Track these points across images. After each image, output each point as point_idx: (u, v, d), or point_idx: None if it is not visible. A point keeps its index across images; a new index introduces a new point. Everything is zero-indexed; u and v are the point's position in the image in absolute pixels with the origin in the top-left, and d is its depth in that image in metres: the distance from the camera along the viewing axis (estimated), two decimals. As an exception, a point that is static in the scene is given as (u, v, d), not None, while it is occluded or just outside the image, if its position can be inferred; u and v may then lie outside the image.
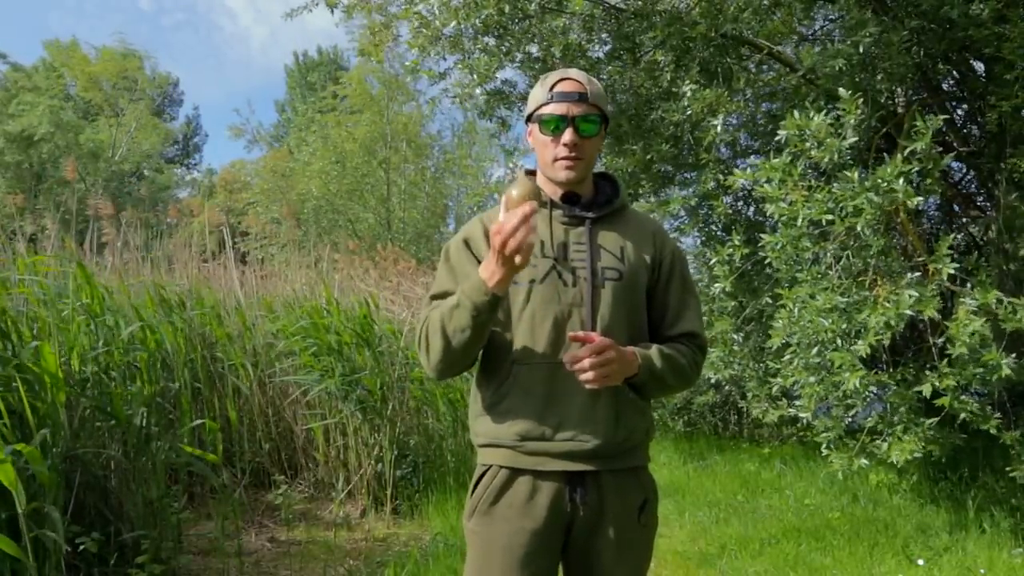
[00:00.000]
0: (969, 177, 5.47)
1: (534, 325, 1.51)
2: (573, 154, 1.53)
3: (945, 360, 3.12)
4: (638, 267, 1.58)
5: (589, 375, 1.40)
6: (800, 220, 3.04)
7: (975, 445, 4.28)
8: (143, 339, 3.64)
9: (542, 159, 1.60)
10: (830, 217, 3.00)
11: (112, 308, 3.66)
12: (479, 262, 1.54)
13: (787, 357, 3.35)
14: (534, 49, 4.41)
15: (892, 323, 2.91)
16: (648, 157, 4.51)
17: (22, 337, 2.89)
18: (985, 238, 4.84)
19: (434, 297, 1.60)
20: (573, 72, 1.60)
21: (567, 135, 1.53)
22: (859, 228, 2.96)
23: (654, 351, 1.53)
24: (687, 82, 3.83)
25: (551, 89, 1.56)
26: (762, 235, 3.31)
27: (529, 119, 1.62)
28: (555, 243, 1.55)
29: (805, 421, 3.43)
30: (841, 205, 2.98)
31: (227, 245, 5.72)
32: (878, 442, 3.32)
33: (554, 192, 1.60)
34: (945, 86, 4.95)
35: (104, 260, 5.02)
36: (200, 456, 3.43)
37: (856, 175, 2.97)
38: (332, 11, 4.61)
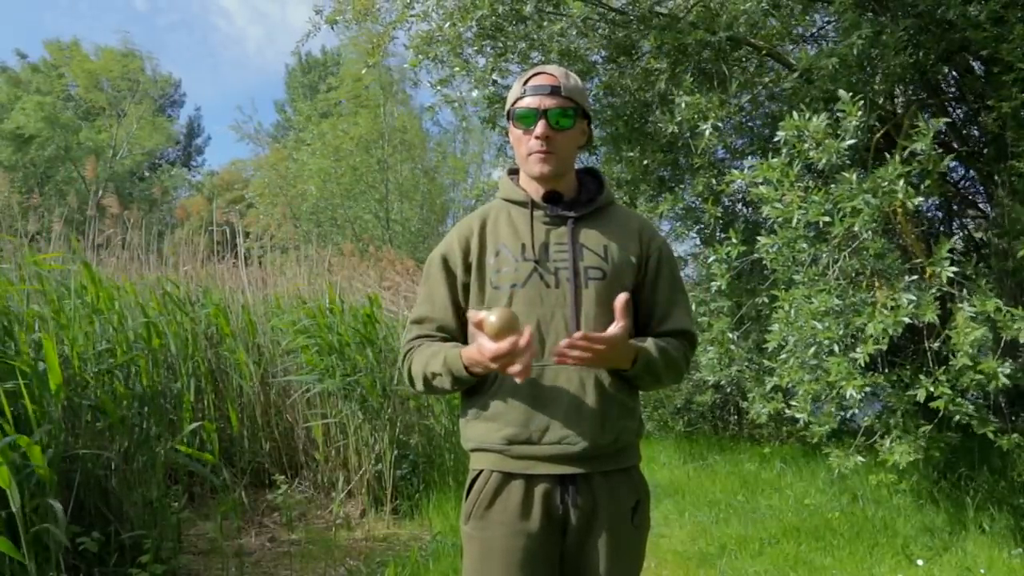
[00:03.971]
0: (969, 177, 5.46)
1: None
2: (545, 147, 1.53)
3: (943, 368, 3.12)
4: (623, 266, 1.57)
5: (572, 354, 1.38)
6: (795, 221, 3.03)
7: (972, 445, 4.28)
8: (147, 337, 3.65)
9: (518, 154, 1.60)
10: (827, 219, 2.99)
11: (116, 308, 3.67)
12: (455, 277, 1.59)
13: (783, 356, 3.35)
14: (534, 55, 4.42)
15: (890, 331, 2.91)
16: (645, 163, 4.53)
17: (14, 335, 2.89)
18: (985, 239, 4.84)
19: (415, 322, 1.64)
20: (549, 67, 1.60)
21: (539, 127, 1.52)
22: (856, 228, 2.96)
23: (651, 344, 1.53)
24: (680, 94, 3.83)
25: (525, 84, 1.57)
26: (759, 237, 3.30)
27: (508, 117, 1.62)
28: (536, 244, 1.55)
29: (803, 421, 3.43)
30: (839, 207, 2.97)
31: (239, 243, 5.73)
32: (881, 442, 3.32)
33: (536, 192, 1.60)
34: (944, 87, 4.95)
35: (105, 259, 5.04)
36: (197, 457, 3.44)
37: (854, 176, 2.96)
38: (332, 27, 4.69)
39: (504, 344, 1.34)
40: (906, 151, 3.20)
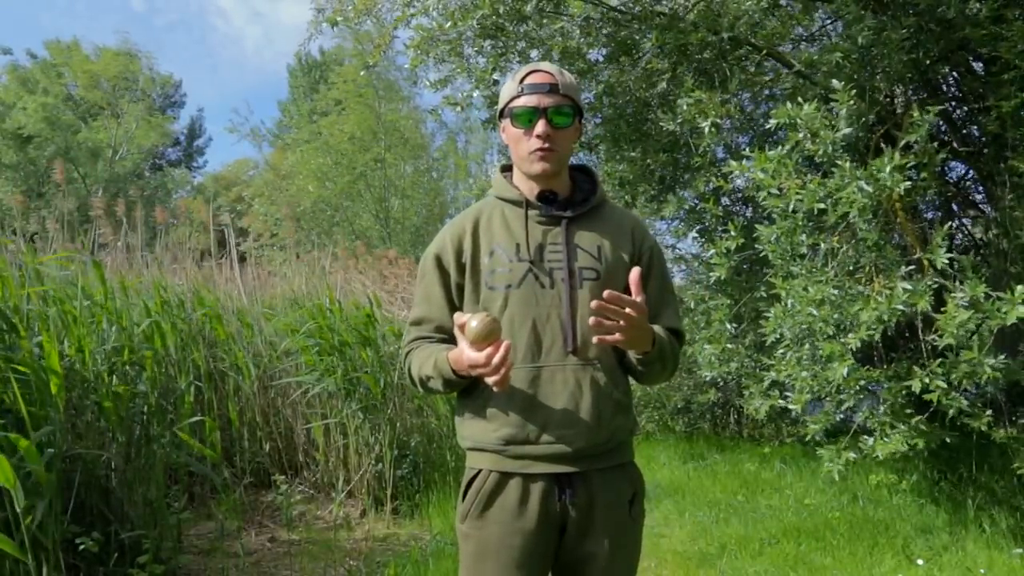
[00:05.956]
0: (969, 177, 5.46)
1: (513, 330, 1.51)
2: (546, 145, 1.53)
3: (937, 360, 3.11)
4: (616, 265, 1.57)
5: (616, 324, 1.36)
6: (791, 207, 3.03)
7: (971, 444, 4.28)
8: (150, 337, 3.65)
9: (516, 153, 1.59)
10: (822, 206, 2.99)
11: (116, 309, 3.66)
12: (449, 276, 1.59)
13: (780, 351, 3.35)
14: (534, 54, 4.41)
15: (885, 318, 2.90)
16: (646, 163, 4.52)
17: (19, 333, 2.89)
18: (985, 238, 4.84)
19: (413, 323, 1.64)
20: (543, 64, 1.59)
21: (539, 127, 1.52)
22: (851, 217, 2.96)
23: (662, 330, 1.54)
24: (681, 95, 3.82)
25: (521, 82, 1.55)
26: (758, 226, 3.30)
27: (502, 115, 1.61)
28: (531, 245, 1.55)
29: (795, 413, 3.43)
30: (836, 196, 2.97)
31: (229, 245, 5.73)
32: (865, 438, 3.31)
33: (531, 190, 1.59)
34: (944, 86, 4.95)
35: (103, 259, 5.03)
36: (200, 452, 3.44)
37: (848, 165, 2.96)
38: (333, 27, 4.69)
39: (480, 356, 1.37)
40: (902, 142, 3.20)
